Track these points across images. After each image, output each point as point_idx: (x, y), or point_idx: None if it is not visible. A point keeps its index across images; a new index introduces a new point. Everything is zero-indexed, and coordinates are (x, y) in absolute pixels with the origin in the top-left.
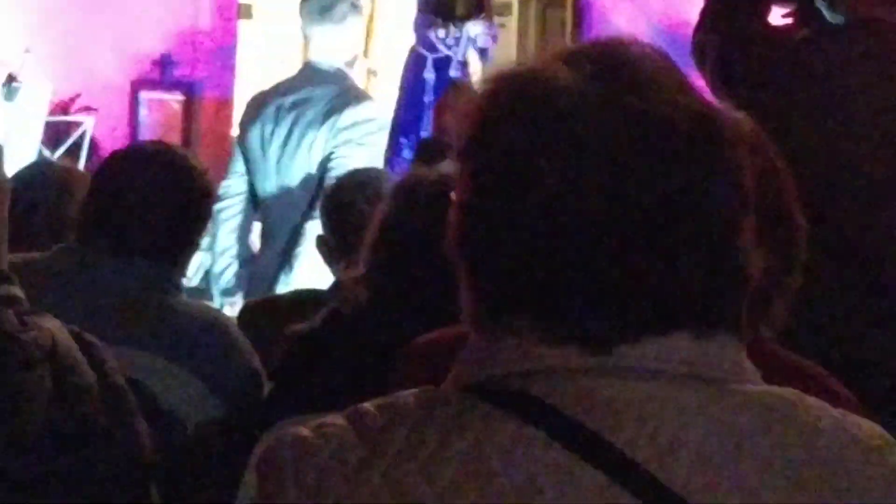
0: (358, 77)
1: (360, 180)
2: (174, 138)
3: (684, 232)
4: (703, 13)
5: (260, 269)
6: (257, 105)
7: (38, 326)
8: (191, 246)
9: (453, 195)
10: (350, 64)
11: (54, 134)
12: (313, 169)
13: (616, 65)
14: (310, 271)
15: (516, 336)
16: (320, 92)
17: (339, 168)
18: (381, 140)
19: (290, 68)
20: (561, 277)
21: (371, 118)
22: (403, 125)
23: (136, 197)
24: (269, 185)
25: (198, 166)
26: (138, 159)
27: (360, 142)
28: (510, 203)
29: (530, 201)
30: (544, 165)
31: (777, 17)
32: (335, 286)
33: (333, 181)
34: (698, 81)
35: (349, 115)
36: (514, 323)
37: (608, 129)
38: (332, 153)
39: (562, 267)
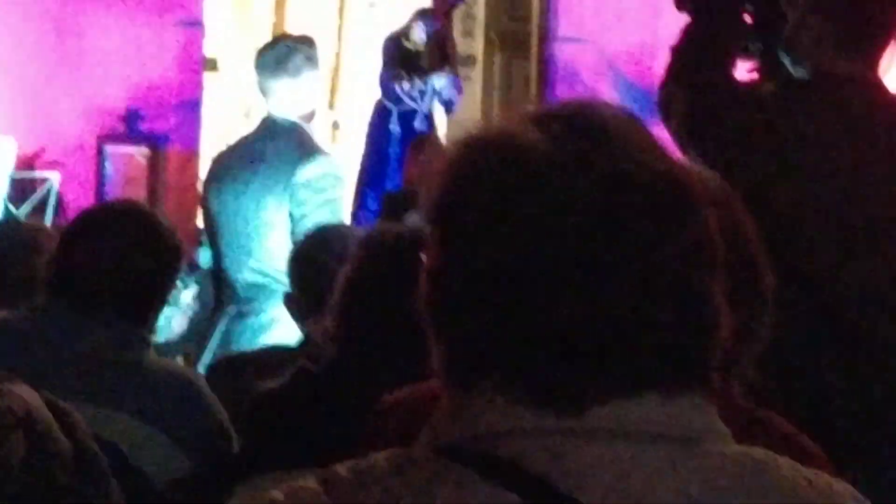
0: (321, 130)
1: (326, 236)
2: (140, 192)
3: (653, 292)
4: (669, 67)
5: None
6: (216, 165)
7: (11, 393)
8: (159, 304)
9: (423, 257)
10: (308, 118)
11: (20, 190)
12: (271, 228)
13: (584, 126)
14: None
15: (488, 397)
16: (275, 148)
17: (300, 226)
18: (341, 193)
19: (256, 121)
20: (530, 340)
21: (327, 173)
22: (369, 178)
23: (105, 256)
24: (229, 244)
25: (166, 224)
26: (107, 218)
27: (318, 198)
28: (478, 267)
29: (498, 265)
30: (513, 229)
31: (742, 71)
32: (303, 343)
33: (300, 238)
34: (664, 134)
35: (304, 171)
36: (485, 384)
37: (577, 191)
38: (291, 212)
39: (531, 329)
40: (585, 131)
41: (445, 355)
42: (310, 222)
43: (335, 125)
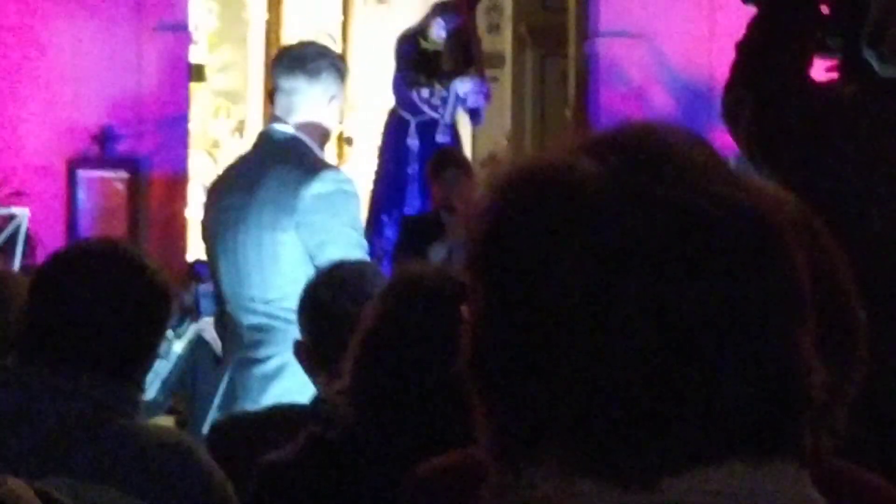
0: (329, 146)
1: (342, 275)
2: (119, 223)
3: (733, 347)
4: (735, 69)
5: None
6: (213, 192)
7: (2, 483)
8: (147, 358)
9: (464, 310)
10: (322, 138)
11: None
12: (276, 261)
13: (646, 154)
14: None
15: (543, 469)
16: (273, 168)
17: (322, 255)
18: (357, 212)
19: (249, 137)
20: (594, 403)
21: (337, 190)
22: (384, 201)
23: (83, 306)
24: (231, 282)
25: (152, 266)
26: (83, 261)
27: (332, 220)
28: (531, 320)
29: (554, 317)
30: (568, 277)
31: (820, 71)
32: (316, 403)
33: (311, 276)
34: (725, 138)
35: (309, 192)
36: (541, 454)
37: (639, 231)
38: (305, 242)
39: (594, 391)
40: (647, 159)
41: (493, 422)
42: (333, 249)
43: (348, 141)
